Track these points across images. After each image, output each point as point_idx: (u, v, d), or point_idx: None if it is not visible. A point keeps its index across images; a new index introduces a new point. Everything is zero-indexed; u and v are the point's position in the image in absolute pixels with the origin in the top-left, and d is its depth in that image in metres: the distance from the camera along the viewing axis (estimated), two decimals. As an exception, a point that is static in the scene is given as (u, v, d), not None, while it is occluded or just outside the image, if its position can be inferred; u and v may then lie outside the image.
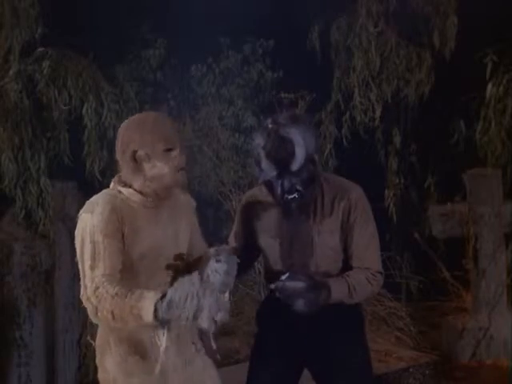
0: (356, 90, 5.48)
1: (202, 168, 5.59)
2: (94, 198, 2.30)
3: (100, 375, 2.36)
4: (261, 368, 2.64)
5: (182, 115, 5.88)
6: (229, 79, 6.05)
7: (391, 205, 5.54)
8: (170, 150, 2.26)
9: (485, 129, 4.98)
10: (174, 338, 2.29)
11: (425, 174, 5.65)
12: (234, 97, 5.97)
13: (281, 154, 2.42)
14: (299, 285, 2.37)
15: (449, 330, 4.99)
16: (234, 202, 5.27)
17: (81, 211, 2.26)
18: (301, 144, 2.43)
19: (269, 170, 2.46)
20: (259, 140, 2.48)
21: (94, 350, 2.39)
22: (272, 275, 2.55)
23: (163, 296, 2.03)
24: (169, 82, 6.20)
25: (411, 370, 4.42)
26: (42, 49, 4.43)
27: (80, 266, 2.21)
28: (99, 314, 2.12)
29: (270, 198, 2.60)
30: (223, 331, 5.10)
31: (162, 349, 2.21)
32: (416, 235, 5.48)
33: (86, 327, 4.09)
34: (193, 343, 2.38)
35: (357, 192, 2.56)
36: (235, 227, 2.75)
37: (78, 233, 2.24)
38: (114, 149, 2.34)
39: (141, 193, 2.29)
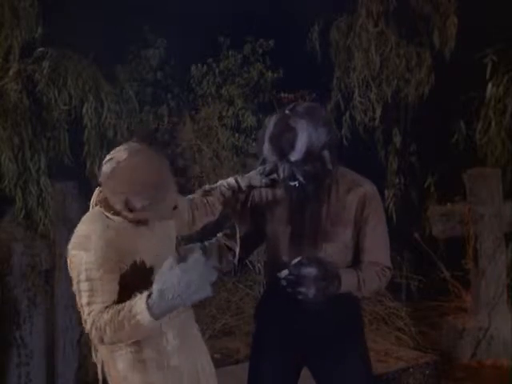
0: (356, 90, 5.49)
1: (202, 168, 5.58)
2: (83, 228, 2.20)
3: (110, 372, 2.32)
4: (260, 365, 2.63)
5: (181, 115, 5.88)
6: (229, 79, 6.05)
7: (391, 205, 5.54)
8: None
9: (485, 129, 4.98)
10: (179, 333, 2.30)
11: (425, 174, 5.64)
12: (234, 97, 5.97)
13: (281, 142, 2.41)
14: (312, 271, 2.31)
15: (449, 330, 4.98)
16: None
17: (71, 246, 2.18)
18: (304, 137, 2.39)
19: (269, 154, 2.46)
20: (268, 122, 2.48)
21: (90, 348, 2.38)
22: (277, 265, 2.51)
23: (150, 294, 2.03)
24: (169, 82, 6.20)
25: (411, 370, 4.42)
26: (41, 49, 4.43)
27: (77, 299, 2.18)
28: (105, 341, 2.12)
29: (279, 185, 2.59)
30: (223, 331, 5.10)
31: (170, 346, 2.25)
32: (416, 235, 5.47)
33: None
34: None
35: (371, 188, 2.56)
36: (242, 210, 2.75)
37: (72, 267, 2.17)
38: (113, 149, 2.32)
39: (131, 221, 2.24)
